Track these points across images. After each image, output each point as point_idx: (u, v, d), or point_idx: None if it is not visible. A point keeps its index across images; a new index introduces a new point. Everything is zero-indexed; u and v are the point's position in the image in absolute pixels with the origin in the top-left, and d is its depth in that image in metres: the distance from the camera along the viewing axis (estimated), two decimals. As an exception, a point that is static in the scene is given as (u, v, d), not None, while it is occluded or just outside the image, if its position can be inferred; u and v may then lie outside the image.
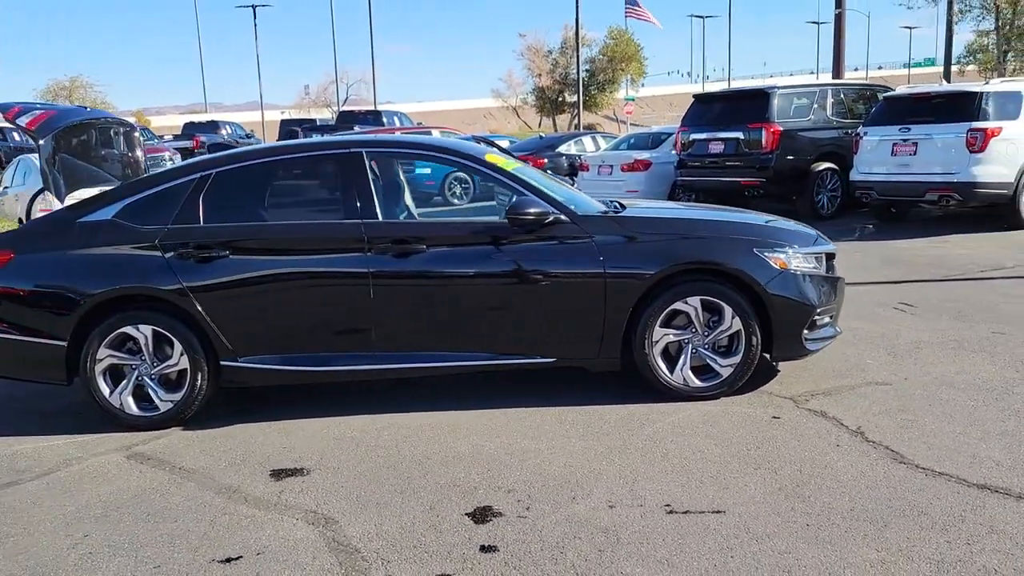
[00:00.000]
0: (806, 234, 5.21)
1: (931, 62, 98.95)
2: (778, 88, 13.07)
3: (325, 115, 50.70)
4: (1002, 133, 10.74)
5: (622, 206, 5.33)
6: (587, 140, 18.68)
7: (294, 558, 3.31)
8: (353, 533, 3.49)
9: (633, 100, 37.91)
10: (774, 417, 4.58)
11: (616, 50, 36.62)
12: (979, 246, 9.97)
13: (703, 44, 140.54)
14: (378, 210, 4.87)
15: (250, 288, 4.81)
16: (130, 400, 4.87)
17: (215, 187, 4.96)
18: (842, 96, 13.65)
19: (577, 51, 28.28)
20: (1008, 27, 20.22)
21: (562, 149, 17.71)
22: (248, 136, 39.41)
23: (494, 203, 5.76)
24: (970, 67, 35.55)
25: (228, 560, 3.32)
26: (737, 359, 4.86)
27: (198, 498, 3.92)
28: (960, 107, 11.01)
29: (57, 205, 6.33)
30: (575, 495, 3.73)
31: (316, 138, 7.69)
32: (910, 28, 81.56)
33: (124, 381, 4.87)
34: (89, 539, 3.56)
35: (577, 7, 28.08)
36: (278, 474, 4.16)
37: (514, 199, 4.83)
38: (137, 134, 6.10)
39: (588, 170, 15.35)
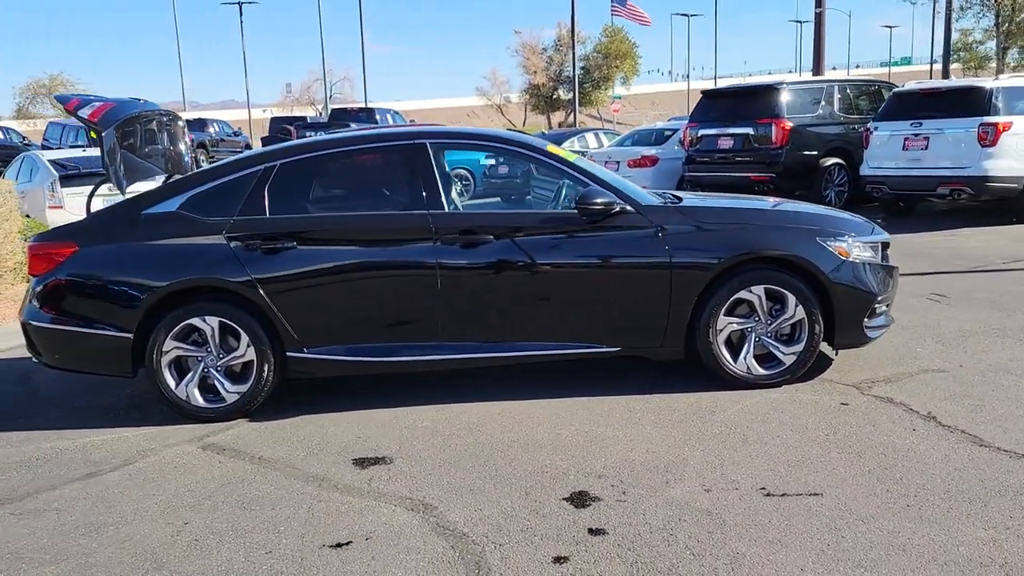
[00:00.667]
0: (863, 223, 5.28)
1: (907, 61, 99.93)
2: (787, 84, 13.20)
3: (310, 113, 50.50)
4: (1012, 128, 10.90)
5: (678, 198, 5.38)
6: (590, 137, 18.77)
7: (404, 542, 3.33)
8: (455, 518, 3.52)
9: (620, 99, 38.13)
10: (842, 404, 4.65)
11: (611, 47, 36.78)
12: (992, 239, 10.11)
13: (688, 43, 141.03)
14: (443, 201, 4.89)
15: (317, 279, 4.82)
16: (196, 392, 4.86)
17: (279, 178, 4.96)
18: (848, 92, 13.78)
19: (573, 47, 28.32)
20: (1008, 24, 20.48)
21: (566, 145, 17.75)
22: (236, 134, 39.18)
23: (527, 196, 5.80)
24: (954, 65, 35.95)
25: (339, 545, 3.34)
26: (800, 347, 4.92)
27: (288, 487, 3.93)
28: (970, 102, 11.16)
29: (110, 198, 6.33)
30: (667, 480, 3.78)
31: (380, 129, 7.64)
32: (890, 27, 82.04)
33: (190, 373, 4.87)
34: (190, 526, 3.57)
35: (573, 2, 28.14)
36: (361, 463, 4.18)
37: (583, 189, 4.86)
38: (181, 124, 6.07)
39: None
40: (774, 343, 4.95)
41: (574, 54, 28.79)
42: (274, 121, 34.20)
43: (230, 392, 4.87)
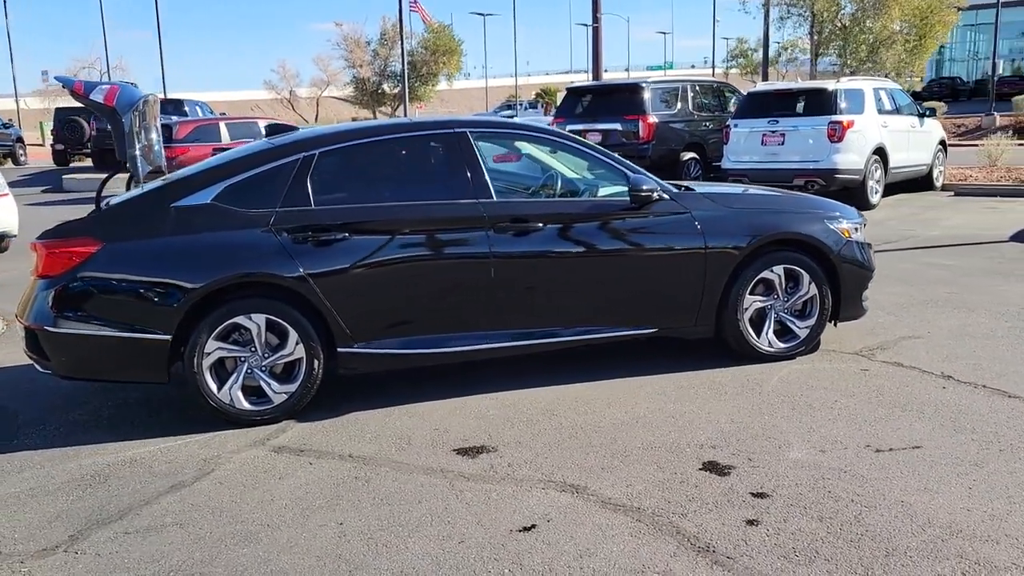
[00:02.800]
0: (849, 207, 5.83)
1: (670, 65, 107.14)
2: (650, 82, 13.97)
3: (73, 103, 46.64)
4: (855, 125, 12.20)
5: (689, 188, 5.68)
6: None
7: (588, 519, 3.39)
8: (614, 495, 3.61)
9: (424, 101, 38.49)
10: (863, 370, 5.14)
11: (437, 43, 36.82)
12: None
13: (484, 42, 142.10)
14: (491, 190, 4.91)
15: (369, 271, 4.68)
16: (240, 395, 4.58)
17: (320, 168, 4.77)
18: (698, 91, 14.78)
19: (401, 42, 28.03)
20: (822, 32, 22.68)
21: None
22: (6, 126, 35.74)
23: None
24: (732, 71, 39.18)
25: (526, 528, 3.34)
26: (812, 321, 5.38)
27: (414, 481, 3.84)
28: (819, 102, 12.37)
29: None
30: (778, 445, 4.06)
31: (417, 118, 7.29)
32: (664, 33, 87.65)
33: (233, 375, 4.58)
34: (347, 527, 3.42)
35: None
36: (466, 452, 4.14)
37: (631, 176, 5.05)
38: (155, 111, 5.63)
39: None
40: (791, 318, 5.38)
41: (403, 48, 28.56)
42: (59, 112, 31.41)
43: (278, 393, 4.63)
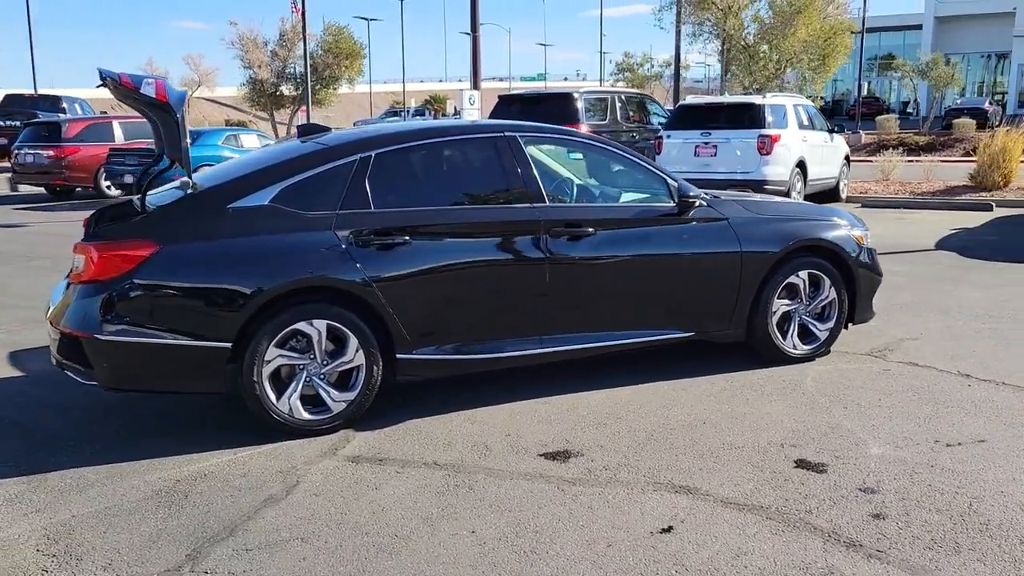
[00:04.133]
0: (855, 216, 6.13)
1: (543, 77, 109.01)
2: (582, 92, 14.19)
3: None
4: (781, 139, 12.80)
5: (716, 196, 5.81)
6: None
7: (718, 519, 3.43)
8: (728, 494, 3.67)
9: (324, 104, 37.73)
10: (885, 370, 5.41)
11: (338, 46, 35.98)
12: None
13: (369, 46, 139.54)
14: (544, 194, 4.91)
15: (430, 275, 4.60)
16: (299, 404, 4.41)
17: (378, 169, 4.65)
18: (624, 102, 15.13)
19: (304, 41, 27.17)
20: (730, 50, 23.57)
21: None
22: None
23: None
24: (620, 83, 40.30)
25: (665, 530, 3.36)
26: (831, 324, 5.63)
27: (520, 487, 3.79)
28: (748, 116, 12.91)
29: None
30: (853, 442, 4.23)
31: (467, 120, 6.97)
32: (544, 45, 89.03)
33: (293, 383, 4.40)
34: (480, 535, 3.35)
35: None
36: (554, 457, 4.12)
37: (677, 183, 5.16)
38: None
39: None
40: (813, 321, 5.60)
41: (305, 47, 27.74)
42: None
43: (337, 401, 4.47)
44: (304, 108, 32.36)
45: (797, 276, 5.48)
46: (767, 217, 5.48)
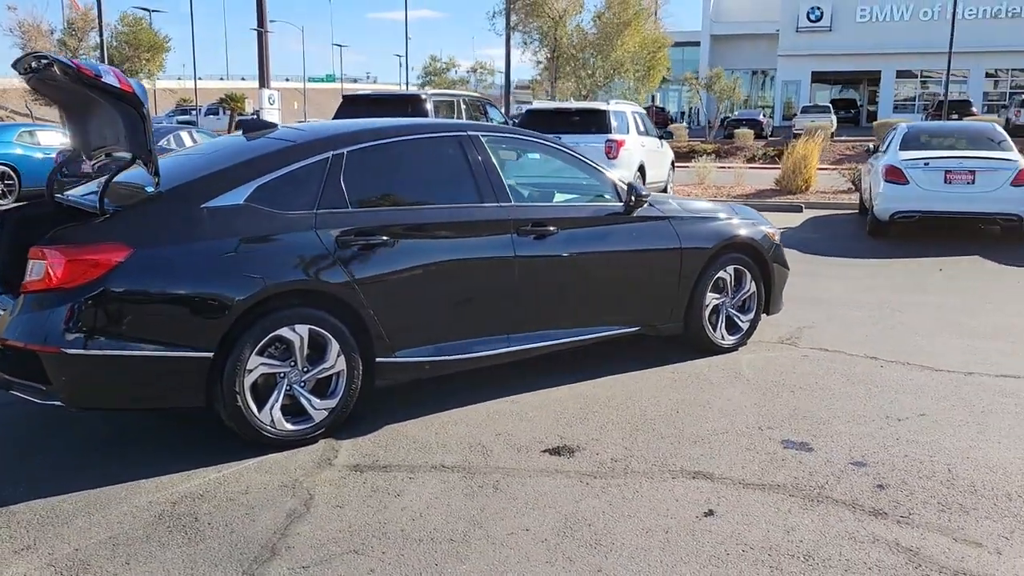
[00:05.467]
0: (760, 214, 6.58)
1: (332, 78, 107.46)
2: (431, 94, 14.17)
3: None
4: (625, 144, 13.42)
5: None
6: (184, 135, 17.34)
7: (747, 500, 3.62)
8: (742, 477, 3.87)
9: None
10: (804, 356, 5.87)
11: (137, 38, 33.23)
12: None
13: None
14: (509, 194, 4.95)
15: (408, 276, 4.51)
16: (280, 415, 4.19)
17: (351, 167, 4.49)
18: (467, 104, 15.26)
19: (101, 31, 24.92)
20: (560, 57, 24.12)
21: (163, 144, 16.21)
22: None
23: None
24: (427, 87, 40.51)
25: (707, 514, 3.51)
26: (752, 315, 6.03)
27: (546, 484, 3.80)
28: (595, 121, 13.43)
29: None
30: (819, 422, 4.57)
31: (429, 119, 6.32)
32: (340, 46, 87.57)
33: (274, 393, 4.17)
34: (535, 533, 3.35)
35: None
36: (557, 452, 4.16)
37: (630, 183, 5.33)
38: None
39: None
40: (736, 313, 5.98)
41: (102, 38, 25.48)
42: None
43: (318, 409, 4.28)
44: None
45: (725, 271, 5.82)
46: (699, 216, 5.78)
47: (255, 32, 27.94)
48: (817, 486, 3.77)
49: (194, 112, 52.44)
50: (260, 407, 4.10)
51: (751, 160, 25.87)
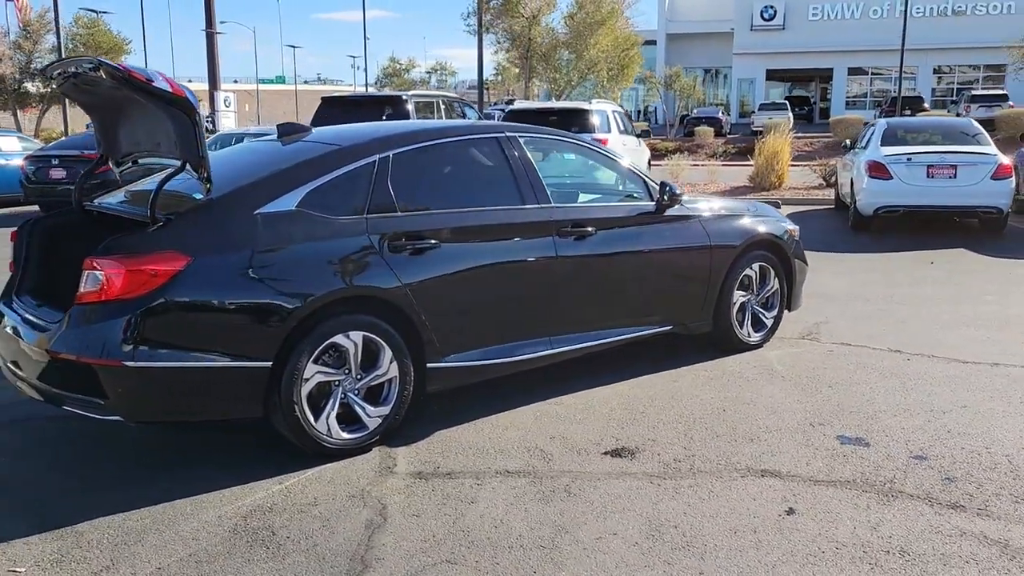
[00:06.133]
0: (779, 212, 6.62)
1: (282, 80, 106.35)
2: (410, 95, 14.05)
3: None
4: (608, 143, 13.41)
5: None
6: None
7: (820, 496, 3.64)
8: (808, 473, 3.88)
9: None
10: (829, 352, 5.92)
11: (95, 40, 32.24)
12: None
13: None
14: (549, 195, 4.91)
15: (457, 280, 4.45)
16: (336, 424, 4.11)
17: (396, 170, 4.42)
18: (447, 104, 15.17)
19: (58, 33, 24.16)
20: (533, 56, 24.05)
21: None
22: None
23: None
24: (385, 88, 40.27)
25: (789, 512, 3.51)
26: (775, 312, 6.07)
27: (617, 486, 3.77)
28: (578, 121, 13.41)
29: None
30: (866, 416, 4.61)
31: (466, 121, 6.05)
32: (294, 47, 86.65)
33: (330, 401, 4.09)
34: (624, 536, 3.32)
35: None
36: (618, 454, 4.13)
37: (664, 183, 5.32)
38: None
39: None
40: (761, 310, 6.01)
41: (59, 42, 24.69)
42: None
43: (372, 417, 4.21)
44: (60, 106, 29.11)
45: (750, 269, 5.85)
46: (726, 214, 5.80)
47: (204, 33, 27.50)
48: (886, 481, 3.79)
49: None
50: (316, 416, 4.02)
51: (712, 157, 26.11)
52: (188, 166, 3.94)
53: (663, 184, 5.37)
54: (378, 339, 4.16)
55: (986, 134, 12.25)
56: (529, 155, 4.92)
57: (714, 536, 3.31)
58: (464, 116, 15.62)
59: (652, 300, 5.35)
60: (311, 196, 4.12)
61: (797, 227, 6.33)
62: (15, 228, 4.64)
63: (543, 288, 4.78)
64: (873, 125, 13.10)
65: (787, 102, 44.62)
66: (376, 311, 4.16)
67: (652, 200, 5.38)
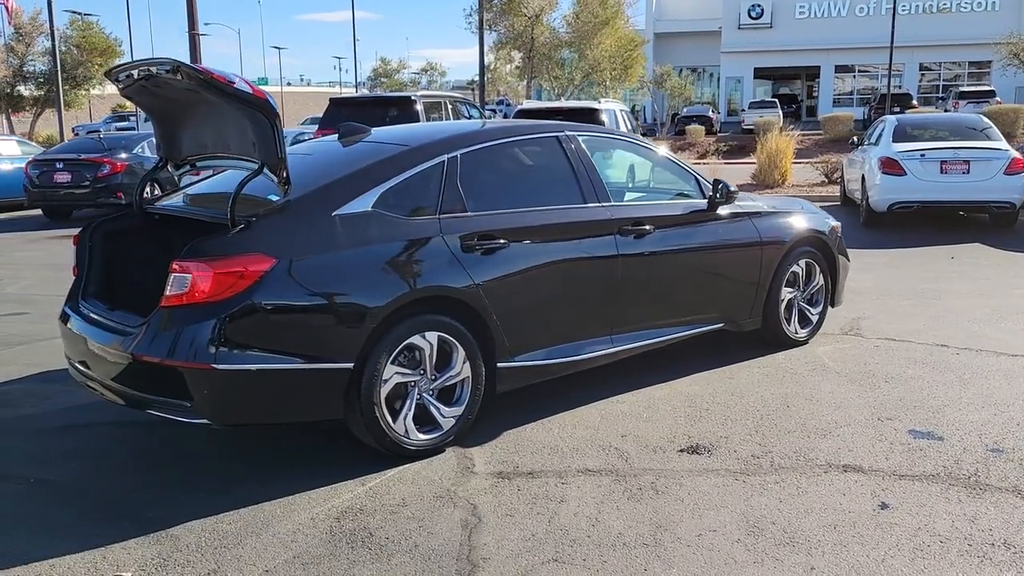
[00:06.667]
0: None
1: (264, 81, 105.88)
2: (418, 95, 14.03)
3: None
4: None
5: None
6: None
7: (910, 491, 3.65)
8: (888, 467, 3.90)
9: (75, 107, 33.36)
10: (875, 346, 5.95)
11: (92, 42, 31.87)
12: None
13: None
14: (609, 194, 4.92)
15: (527, 279, 4.44)
16: (413, 425, 4.09)
17: (465, 170, 4.41)
18: (454, 105, 15.17)
19: (53, 36, 23.70)
20: (535, 56, 24.05)
21: (137, 151, 15.67)
22: None
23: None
24: (377, 89, 40.20)
25: (883, 506, 3.52)
26: (821, 308, 6.10)
27: (705, 483, 3.78)
28: (588, 119, 13.38)
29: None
30: (931, 411, 4.63)
31: (529, 120, 5.94)
32: (279, 48, 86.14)
33: (406, 403, 4.07)
34: (724, 532, 3.33)
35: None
36: (695, 451, 4.14)
37: (721, 182, 5.33)
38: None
39: (199, 174, 14.14)
40: (807, 307, 6.03)
41: (55, 44, 24.26)
42: None
43: (447, 418, 4.20)
44: (55, 110, 28.77)
45: (797, 265, 5.87)
46: (773, 211, 5.82)
47: (187, 35, 27.35)
48: (970, 474, 3.81)
49: (132, 119, 51.06)
50: (394, 418, 4.00)
51: (704, 155, 26.23)
52: (266, 168, 3.90)
53: (716, 182, 5.38)
54: (452, 339, 4.15)
55: (996, 129, 12.33)
56: (588, 153, 4.91)
57: (814, 532, 3.32)
58: (469, 117, 15.61)
59: (706, 297, 5.36)
60: (385, 197, 4.10)
61: (839, 223, 6.35)
62: (77, 231, 4.59)
63: (605, 287, 4.78)
64: (882, 122, 13.17)
65: (776, 100, 44.81)
66: (451, 311, 4.15)
67: (704, 197, 5.38)
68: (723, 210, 5.42)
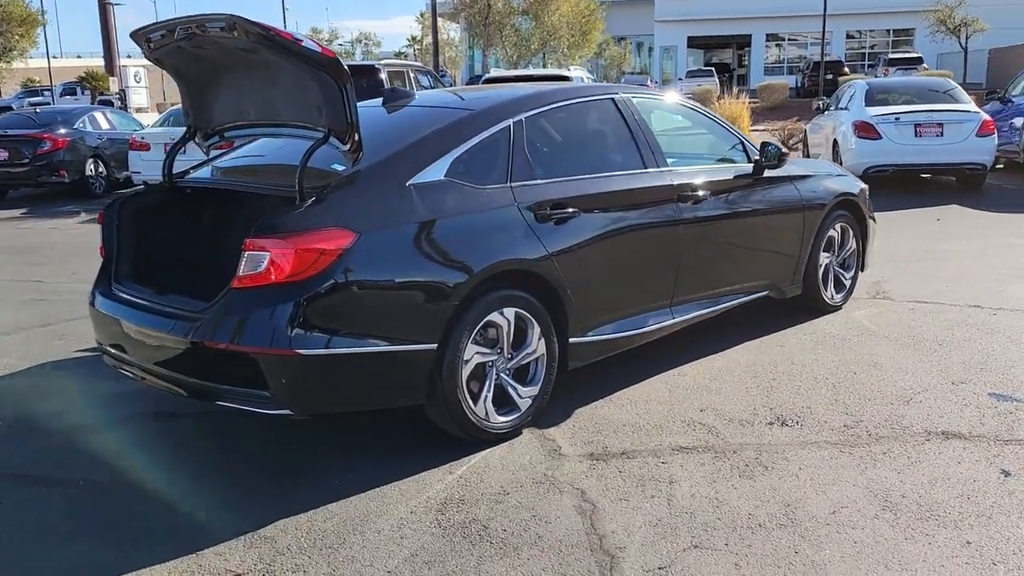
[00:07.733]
0: (842, 170, 6.54)
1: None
2: (382, 64, 13.56)
3: None
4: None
5: None
6: (99, 116, 15.83)
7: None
8: (984, 432, 3.80)
9: None
10: (910, 309, 5.88)
11: (5, 11, 29.90)
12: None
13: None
14: (667, 159, 4.70)
15: (597, 250, 4.20)
16: (492, 407, 3.84)
17: (530, 135, 4.14)
18: (416, 73, 14.73)
19: None
20: (491, 24, 23.44)
21: (79, 126, 14.80)
22: None
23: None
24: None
25: (1005, 473, 3.42)
26: (853, 272, 6.00)
27: (811, 456, 3.62)
28: (559, 87, 13.16)
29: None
30: (999, 372, 4.56)
31: (583, 83, 5.47)
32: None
33: (486, 383, 3.81)
34: (858, 507, 3.17)
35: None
36: (783, 423, 3.99)
37: (770, 144, 5.15)
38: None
39: (149, 149, 13.49)
40: (841, 271, 5.93)
41: None
42: None
43: (524, 398, 3.95)
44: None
45: (833, 229, 5.75)
46: (811, 174, 5.67)
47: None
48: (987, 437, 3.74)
49: (46, 92, 48.57)
50: (474, 401, 3.74)
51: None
52: (333, 135, 3.56)
53: (764, 144, 5.21)
54: (528, 315, 3.89)
55: (961, 90, 12.48)
56: (644, 117, 4.68)
57: (951, 504, 3.18)
58: (432, 87, 15.19)
59: (755, 264, 5.21)
60: (456, 164, 3.80)
61: (867, 186, 6.26)
62: (101, 210, 4.18)
63: (667, 256, 4.58)
64: (851, 86, 13.22)
65: (713, 69, 45.12)
66: (527, 285, 3.89)
67: (750, 161, 5.20)
68: (768, 173, 5.24)
